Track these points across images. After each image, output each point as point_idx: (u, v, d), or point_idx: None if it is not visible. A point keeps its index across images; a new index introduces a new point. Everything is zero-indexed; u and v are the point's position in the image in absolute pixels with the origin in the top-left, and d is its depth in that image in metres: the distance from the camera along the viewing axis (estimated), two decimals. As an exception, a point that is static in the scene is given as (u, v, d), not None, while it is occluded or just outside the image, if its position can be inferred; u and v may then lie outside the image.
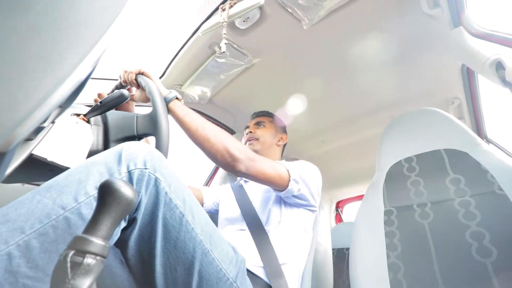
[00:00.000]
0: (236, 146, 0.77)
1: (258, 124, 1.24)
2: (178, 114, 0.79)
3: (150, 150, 0.55)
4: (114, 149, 0.53)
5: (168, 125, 0.68)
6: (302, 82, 1.42)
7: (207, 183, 1.76)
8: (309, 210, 0.98)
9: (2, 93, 0.16)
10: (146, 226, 0.53)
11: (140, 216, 0.52)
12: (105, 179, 0.47)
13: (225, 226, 1.00)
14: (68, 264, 0.34)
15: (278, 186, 0.86)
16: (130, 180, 0.51)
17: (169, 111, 0.79)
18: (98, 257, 0.36)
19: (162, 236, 0.55)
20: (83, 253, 0.34)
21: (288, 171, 0.87)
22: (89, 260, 0.35)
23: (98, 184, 0.46)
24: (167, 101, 0.79)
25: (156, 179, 0.53)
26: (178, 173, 0.60)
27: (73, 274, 0.33)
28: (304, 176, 0.91)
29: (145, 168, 0.52)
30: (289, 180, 0.86)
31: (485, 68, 0.90)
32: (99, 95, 0.85)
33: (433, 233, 0.76)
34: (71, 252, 0.34)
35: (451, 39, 1.03)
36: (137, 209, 0.52)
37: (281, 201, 0.96)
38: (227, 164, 0.76)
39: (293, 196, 0.91)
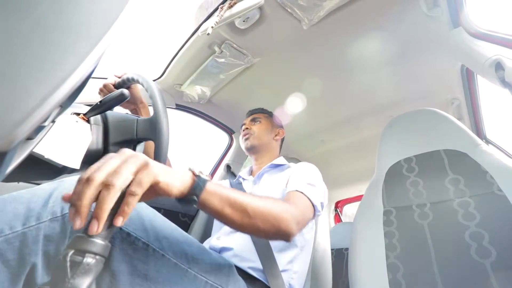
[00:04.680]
0: (284, 219, 0.64)
1: (254, 120, 1.24)
2: (216, 209, 0.55)
3: None
4: (46, 186, 0.50)
5: (168, 130, 0.67)
6: (302, 82, 1.42)
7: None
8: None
9: (4, 93, 0.16)
10: (103, 271, 0.50)
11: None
12: (20, 220, 0.45)
13: (223, 225, 0.99)
14: (68, 264, 0.34)
15: None
16: (63, 229, 0.47)
17: (199, 205, 0.53)
18: (97, 257, 0.36)
19: (129, 274, 0.52)
20: (82, 252, 0.35)
21: (314, 207, 0.81)
22: (88, 259, 0.35)
23: (8, 225, 0.44)
24: (197, 194, 0.52)
25: None
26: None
27: (72, 273, 0.34)
28: (323, 200, 0.88)
29: None
30: (314, 215, 0.83)
31: (485, 68, 0.90)
32: (105, 86, 0.84)
33: (432, 233, 0.76)
34: (71, 252, 0.34)
35: (451, 39, 1.03)
36: None
37: None
38: (282, 240, 0.68)
39: None
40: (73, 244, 0.35)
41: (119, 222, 0.38)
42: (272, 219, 0.63)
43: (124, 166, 0.39)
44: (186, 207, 0.51)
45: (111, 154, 0.41)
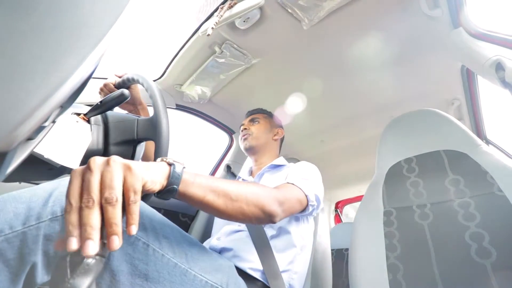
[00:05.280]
0: (265, 199, 0.66)
1: (252, 120, 1.24)
2: (198, 197, 0.55)
3: None
4: (46, 186, 0.50)
5: (168, 130, 0.67)
6: (302, 82, 1.42)
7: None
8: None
9: (4, 93, 0.16)
10: (103, 271, 0.50)
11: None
12: (20, 220, 0.45)
13: (223, 226, 0.99)
14: (68, 264, 0.34)
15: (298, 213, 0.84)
16: (63, 229, 0.45)
17: (179, 195, 0.53)
18: (97, 257, 0.36)
19: (129, 274, 0.52)
20: (82, 252, 0.34)
21: (306, 197, 0.82)
22: (88, 259, 0.35)
23: (8, 225, 0.44)
24: (175, 184, 0.51)
25: None
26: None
27: (72, 273, 0.33)
28: (318, 193, 0.87)
29: None
30: (307, 206, 0.83)
31: (485, 69, 0.90)
32: (106, 86, 0.85)
33: (433, 234, 0.76)
34: (71, 252, 0.34)
35: (451, 40, 1.03)
36: None
37: None
38: (265, 223, 0.71)
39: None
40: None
41: (134, 230, 0.39)
42: (255, 200, 0.64)
43: (112, 178, 0.38)
44: (166, 199, 0.52)
45: (79, 170, 0.39)
